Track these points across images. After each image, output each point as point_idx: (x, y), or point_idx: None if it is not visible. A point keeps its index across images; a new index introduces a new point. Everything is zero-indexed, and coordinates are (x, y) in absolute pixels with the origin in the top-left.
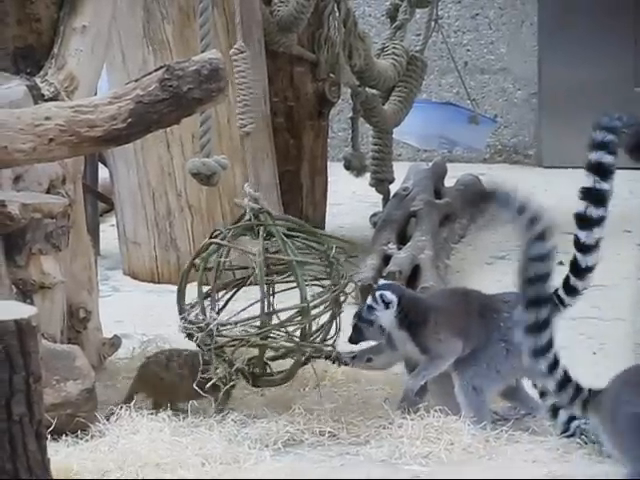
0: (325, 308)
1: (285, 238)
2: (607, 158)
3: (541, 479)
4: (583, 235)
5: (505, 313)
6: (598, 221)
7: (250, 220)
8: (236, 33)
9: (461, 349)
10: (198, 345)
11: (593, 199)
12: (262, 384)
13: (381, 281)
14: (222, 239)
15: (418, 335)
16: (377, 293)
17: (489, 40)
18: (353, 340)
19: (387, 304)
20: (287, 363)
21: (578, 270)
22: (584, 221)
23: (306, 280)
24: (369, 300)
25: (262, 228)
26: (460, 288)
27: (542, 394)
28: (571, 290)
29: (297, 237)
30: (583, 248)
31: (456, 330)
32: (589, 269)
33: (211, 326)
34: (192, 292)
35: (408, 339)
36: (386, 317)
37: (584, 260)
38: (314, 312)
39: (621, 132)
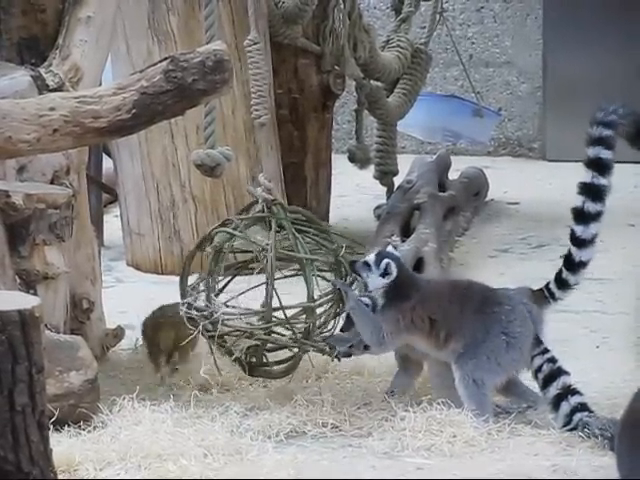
0: (330, 306)
1: (297, 234)
2: (605, 153)
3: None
4: (579, 229)
5: (507, 306)
6: (595, 216)
7: (262, 210)
8: (249, 25)
9: (388, 350)
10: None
11: (591, 194)
12: (258, 374)
13: (391, 248)
14: (234, 228)
15: (387, 310)
16: (384, 260)
17: (494, 33)
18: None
19: (385, 274)
20: (285, 354)
21: (571, 264)
22: (581, 216)
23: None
24: (371, 258)
25: (274, 221)
26: (464, 281)
27: (544, 386)
28: (563, 284)
29: (307, 232)
30: (579, 242)
31: (421, 327)
32: (583, 264)
33: (216, 315)
34: (192, 279)
35: (380, 307)
36: (376, 282)
37: (579, 254)
38: (319, 310)
39: (619, 124)
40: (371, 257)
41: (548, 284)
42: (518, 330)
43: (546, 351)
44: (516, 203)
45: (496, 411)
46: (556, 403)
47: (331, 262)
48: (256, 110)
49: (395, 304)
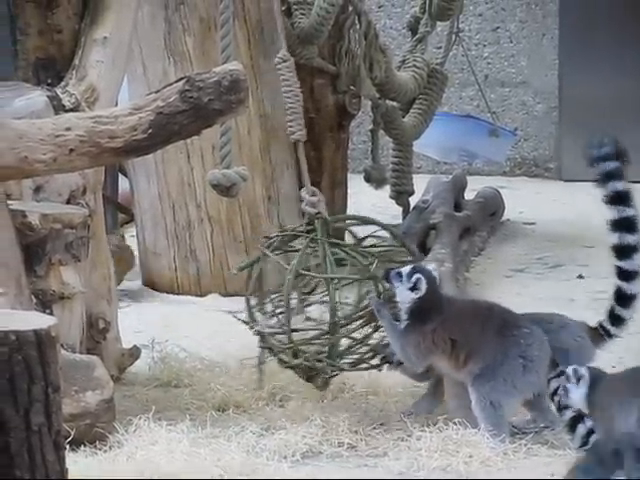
0: (361, 324)
1: (327, 251)
2: (619, 185)
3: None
4: (624, 264)
5: (525, 329)
6: (635, 247)
7: (309, 224)
8: (270, 44)
9: (420, 368)
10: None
11: (624, 227)
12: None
13: (432, 266)
14: (271, 244)
15: (408, 332)
16: (415, 274)
17: (510, 53)
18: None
19: (414, 289)
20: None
21: (623, 299)
22: (622, 250)
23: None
24: (406, 269)
25: (306, 239)
26: (485, 302)
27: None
28: (617, 319)
29: (345, 246)
30: (627, 276)
31: (442, 348)
32: (634, 297)
33: (253, 330)
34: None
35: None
36: (404, 295)
37: (629, 288)
38: (348, 327)
39: (618, 152)
40: (406, 269)
41: (602, 322)
42: (536, 354)
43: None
44: (532, 223)
45: (512, 431)
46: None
47: (360, 279)
48: (290, 127)
49: (416, 326)
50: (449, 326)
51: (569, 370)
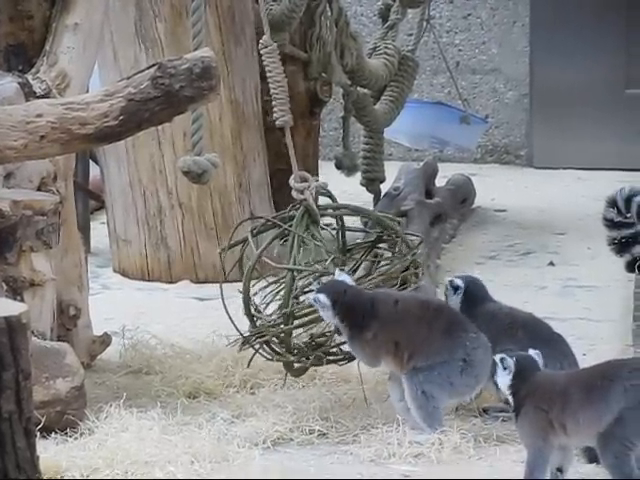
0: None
1: (296, 242)
2: None
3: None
4: None
5: (472, 334)
6: None
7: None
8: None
9: (377, 367)
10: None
11: None
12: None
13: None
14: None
15: (352, 342)
16: (314, 297)
17: (481, 40)
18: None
19: (323, 307)
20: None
21: None
22: None
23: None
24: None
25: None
26: (435, 301)
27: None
28: None
29: (316, 238)
30: None
31: (386, 350)
32: None
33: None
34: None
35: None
36: (327, 316)
37: None
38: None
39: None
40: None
41: None
42: (479, 359)
43: None
44: (503, 210)
45: (484, 418)
46: None
47: (320, 273)
48: (274, 112)
49: (355, 334)
50: (390, 329)
51: (497, 358)
